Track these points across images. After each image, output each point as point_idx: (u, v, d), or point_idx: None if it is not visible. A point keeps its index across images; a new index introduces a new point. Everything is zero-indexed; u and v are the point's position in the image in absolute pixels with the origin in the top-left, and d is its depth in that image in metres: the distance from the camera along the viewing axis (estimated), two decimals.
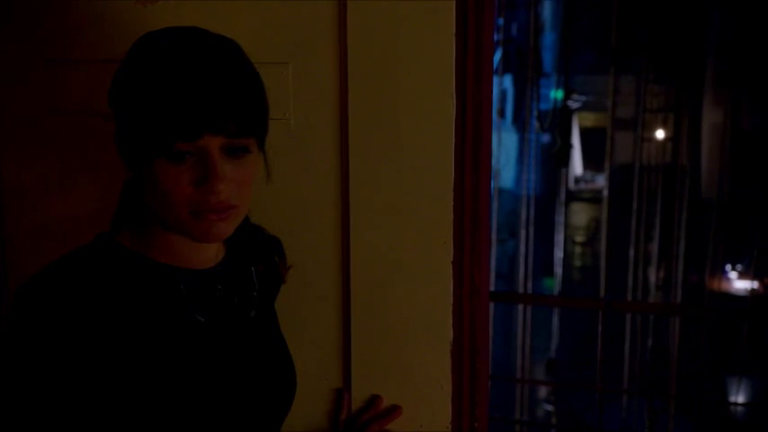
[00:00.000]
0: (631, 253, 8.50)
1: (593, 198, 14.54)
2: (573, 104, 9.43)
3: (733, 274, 11.90)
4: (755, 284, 9.87)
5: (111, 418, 0.94)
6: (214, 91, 0.93)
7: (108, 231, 1.07)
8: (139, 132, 0.95)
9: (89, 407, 0.94)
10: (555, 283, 9.84)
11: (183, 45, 0.96)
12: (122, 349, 0.96)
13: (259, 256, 1.17)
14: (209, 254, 1.08)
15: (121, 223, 1.08)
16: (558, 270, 9.65)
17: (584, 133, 14.80)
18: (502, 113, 13.66)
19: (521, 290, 8.74)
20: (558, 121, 8.51)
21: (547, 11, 12.96)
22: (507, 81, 14.61)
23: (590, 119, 14.68)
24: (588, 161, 15.63)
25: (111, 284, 0.98)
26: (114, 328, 0.96)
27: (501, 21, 9.28)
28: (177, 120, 0.92)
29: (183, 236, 1.01)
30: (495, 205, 8.15)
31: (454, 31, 1.29)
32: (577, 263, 14.90)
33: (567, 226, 10.40)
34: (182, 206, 0.96)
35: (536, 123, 9.02)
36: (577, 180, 15.85)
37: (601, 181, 10.84)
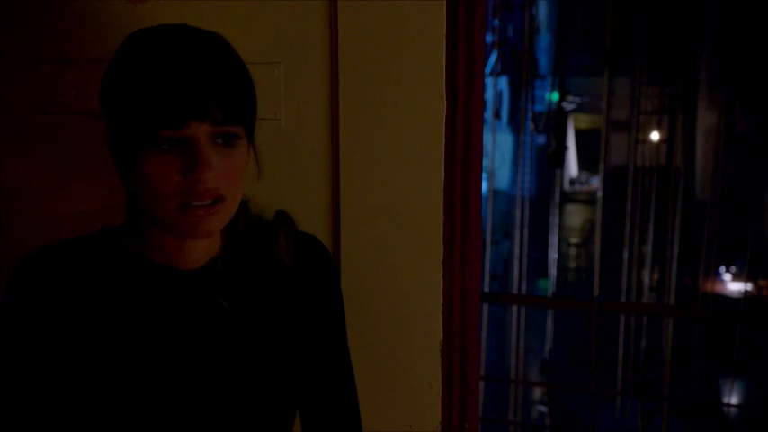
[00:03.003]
0: (625, 254, 8.53)
1: (588, 200, 14.58)
2: (568, 106, 9.46)
3: (727, 276, 11.95)
4: (749, 286, 9.91)
5: (57, 394, 0.99)
6: (198, 78, 0.93)
7: (111, 225, 1.08)
8: (126, 124, 0.95)
9: (42, 381, 0.99)
10: (549, 285, 9.86)
11: (168, 38, 0.97)
12: (83, 335, 0.99)
13: (261, 254, 1.12)
14: (200, 251, 1.06)
15: (128, 219, 1.09)
16: (553, 271, 9.67)
17: (579, 135, 14.85)
18: (497, 115, 13.67)
19: (515, 291, 8.76)
20: (553, 122, 8.53)
21: (542, 13, 12.98)
22: (503, 82, 14.64)
23: (585, 120, 14.74)
24: (583, 163, 15.67)
25: (91, 272, 1.02)
26: (81, 314, 0.99)
27: (496, 22, 9.30)
28: (161, 107, 0.92)
29: (173, 233, 1.01)
30: (489, 206, 8.18)
31: (445, 32, 1.29)
32: (572, 264, 14.95)
33: (561, 227, 10.43)
34: (169, 197, 0.95)
35: (531, 125, 9.05)
36: (572, 182, 15.90)
37: (595, 182, 10.88)
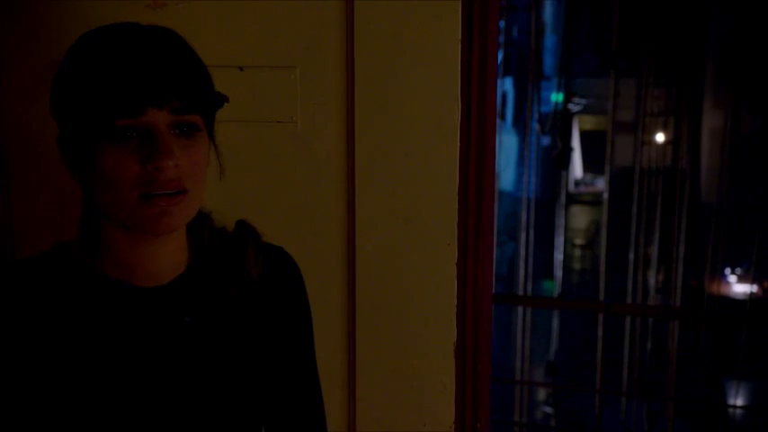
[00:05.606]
0: (631, 256, 8.52)
1: (593, 201, 14.56)
2: (573, 107, 9.46)
3: (732, 278, 11.93)
4: (755, 288, 9.90)
5: (19, 416, 0.97)
6: (154, 65, 0.91)
7: (66, 240, 1.05)
8: (80, 119, 0.92)
9: (3, 404, 0.96)
10: (554, 286, 9.86)
11: (120, 32, 0.95)
12: (42, 359, 0.96)
13: (228, 266, 1.07)
14: (165, 263, 1.01)
15: (83, 232, 1.04)
16: (558, 273, 9.67)
17: (585, 136, 14.81)
18: (502, 116, 13.67)
19: (520, 292, 8.76)
20: (559, 123, 8.53)
21: (548, 14, 12.98)
22: (508, 83, 14.62)
23: (590, 122, 14.70)
24: (588, 164, 15.64)
25: (47, 294, 0.98)
26: (39, 337, 0.96)
27: (502, 23, 9.30)
28: (117, 95, 0.89)
29: (134, 237, 0.97)
30: (495, 208, 8.17)
31: (460, 35, 1.30)
32: (577, 266, 14.92)
33: (566, 229, 10.41)
34: (129, 189, 0.91)
35: (536, 126, 9.04)
36: (577, 183, 15.86)
37: (601, 184, 10.86)
